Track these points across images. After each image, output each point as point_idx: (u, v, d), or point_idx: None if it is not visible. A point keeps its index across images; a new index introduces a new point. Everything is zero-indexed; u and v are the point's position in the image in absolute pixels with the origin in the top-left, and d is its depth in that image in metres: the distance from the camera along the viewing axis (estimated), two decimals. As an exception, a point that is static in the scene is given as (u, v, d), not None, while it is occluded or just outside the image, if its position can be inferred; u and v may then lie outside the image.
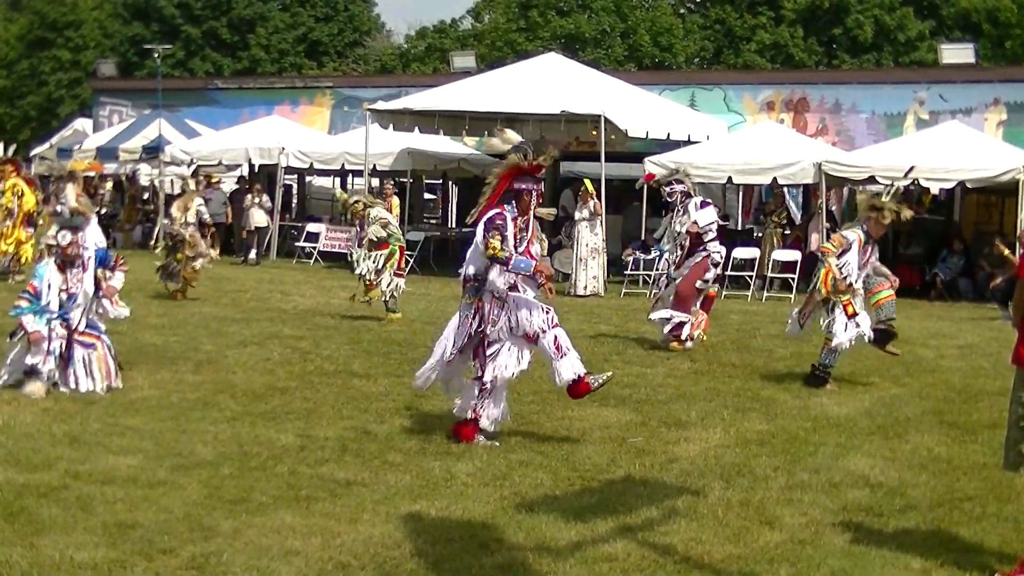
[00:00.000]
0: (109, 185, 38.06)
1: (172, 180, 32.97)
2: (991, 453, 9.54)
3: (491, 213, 10.14)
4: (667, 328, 16.03)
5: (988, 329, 18.66)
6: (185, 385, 12.44)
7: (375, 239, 18.03)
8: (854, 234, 13.22)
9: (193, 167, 21.29)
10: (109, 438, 9.92)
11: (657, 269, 20.17)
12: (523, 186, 10.22)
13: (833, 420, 11.57)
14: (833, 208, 28.30)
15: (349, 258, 18.79)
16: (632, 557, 7.19)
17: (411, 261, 26.85)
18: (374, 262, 17.97)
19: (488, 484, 8.80)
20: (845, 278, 13.04)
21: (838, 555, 7.31)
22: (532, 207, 10.31)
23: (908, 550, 7.39)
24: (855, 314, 13.22)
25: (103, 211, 36.15)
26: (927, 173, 23.45)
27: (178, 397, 11.81)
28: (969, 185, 24.51)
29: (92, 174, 36.37)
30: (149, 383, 12.43)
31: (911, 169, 14.07)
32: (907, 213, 13.30)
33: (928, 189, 25.64)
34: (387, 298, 18.06)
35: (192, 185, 20.97)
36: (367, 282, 18.04)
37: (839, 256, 13.08)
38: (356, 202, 18.42)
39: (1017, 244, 21.04)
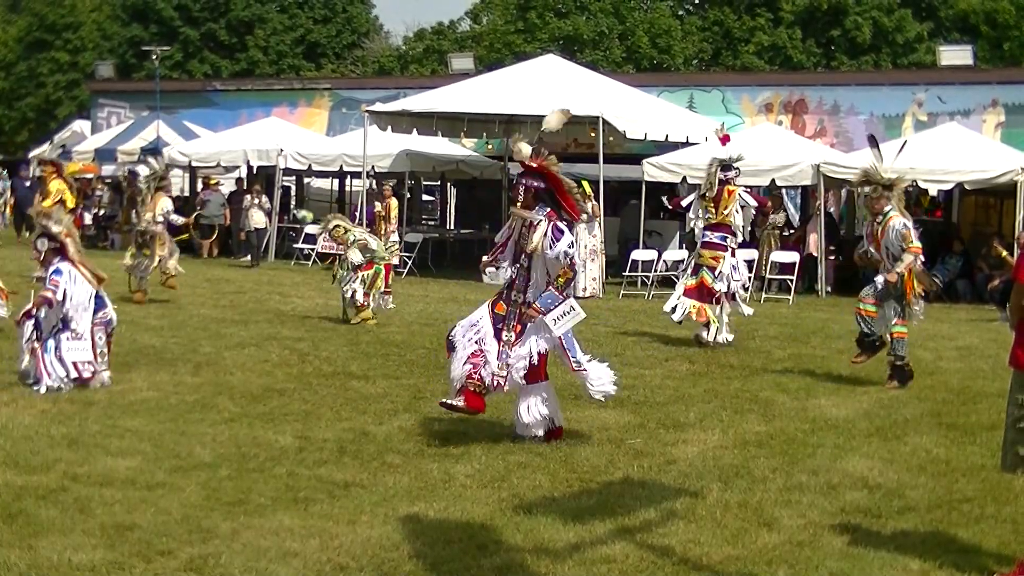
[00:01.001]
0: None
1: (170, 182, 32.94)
2: (990, 455, 9.54)
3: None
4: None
5: (986, 331, 18.66)
6: (184, 387, 12.44)
7: (356, 263, 17.99)
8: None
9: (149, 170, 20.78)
10: (108, 440, 9.92)
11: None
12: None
13: (831, 422, 11.57)
14: (832, 209, 28.32)
15: (335, 273, 18.62)
16: (630, 559, 7.20)
17: (409, 262, 26.91)
18: (362, 283, 17.91)
19: (486, 486, 8.80)
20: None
21: (836, 557, 7.31)
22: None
23: (907, 552, 7.39)
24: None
25: (101, 212, 36.21)
26: (926, 175, 23.48)
27: (176, 399, 11.80)
28: (967, 187, 24.53)
29: (89, 176, 36.37)
30: (148, 385, 12.43)
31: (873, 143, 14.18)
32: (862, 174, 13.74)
33: (926, 190, 25.66)
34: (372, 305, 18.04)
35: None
36: (358, 304, 17.96)
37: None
38: (336, 227, 18.39)
39: (1015, 245, 21.05)
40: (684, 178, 26.15)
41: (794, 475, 9.33)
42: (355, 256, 17.90)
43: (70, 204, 21.38)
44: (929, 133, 26.78)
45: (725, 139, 18.11)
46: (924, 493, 8.87)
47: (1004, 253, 20.60)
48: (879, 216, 13.49)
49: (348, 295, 18.00)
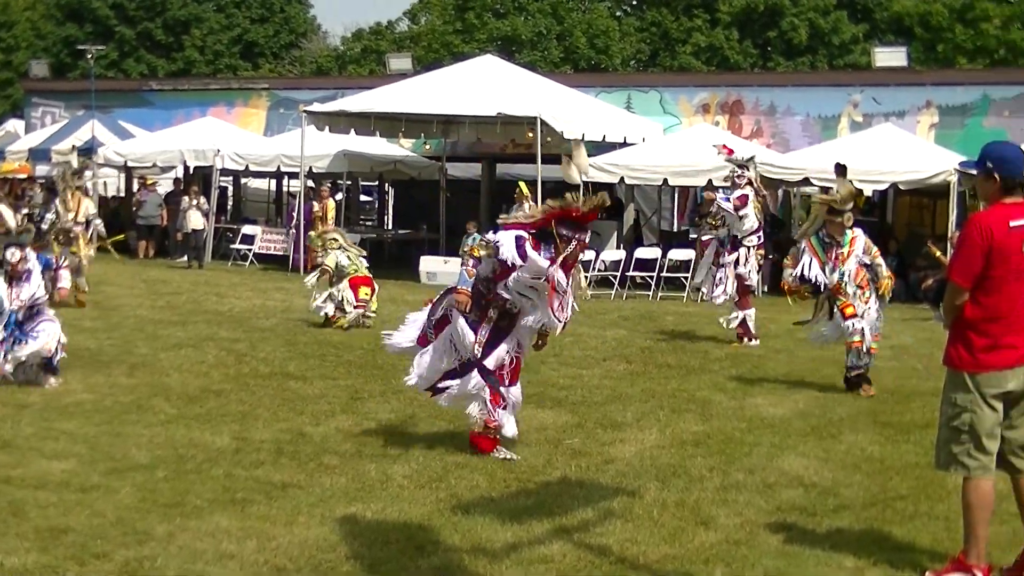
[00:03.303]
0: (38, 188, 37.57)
1: (106, 182, 32.71)
2: (923, 453, 9.64)
3: (518, 234, 9.47)
4: (735, 324, 17.29)
5: (921, 330, 18.79)
6: (119, 388, 12.35)
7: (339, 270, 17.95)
8: (804, 242, 13.69)
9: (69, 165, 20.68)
10: (42, 442, 9.83)
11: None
12: (566, 232, 9.39)
13: (768, 421, 11.65)
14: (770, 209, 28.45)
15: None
16: (568, 558, 7.21)
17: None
18: (331, 299, 17.79)
19: (424, 486, 8.80)
20: (807, 282, 13.52)
21: (772, 555, 7.36)
22: (575, 258, 9.62)
23: (841, 549, 7.45)
24: (854, 315, 13.44)
25: (35, 213, 35.83)
26: (861, 175, 23.63)
27: (112, 400, 11.72)
28: (902, 187, 24.75)
29: (22, 176, 35.99)
30: (83, 386, 12.34)
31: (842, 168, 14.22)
32: (842, 192, 13.53)
33: (862, 191, 25.84)
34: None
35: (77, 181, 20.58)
36: (329, 318, 17.75)
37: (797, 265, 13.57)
38: (332, 239, 18.41)
39: (949, 245, 21.24)
40: (622, 178, 26.23)
41: (731, 474, 9.38)
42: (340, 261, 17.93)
43: None
44: (864, 134, 26.99)
45: (730, 151, 18.65)
46: (859, 491, 8.94)
47: (939, 254, 20.77)
48: (842, 238, 13.46)
49: (320, 315, 17.77)
